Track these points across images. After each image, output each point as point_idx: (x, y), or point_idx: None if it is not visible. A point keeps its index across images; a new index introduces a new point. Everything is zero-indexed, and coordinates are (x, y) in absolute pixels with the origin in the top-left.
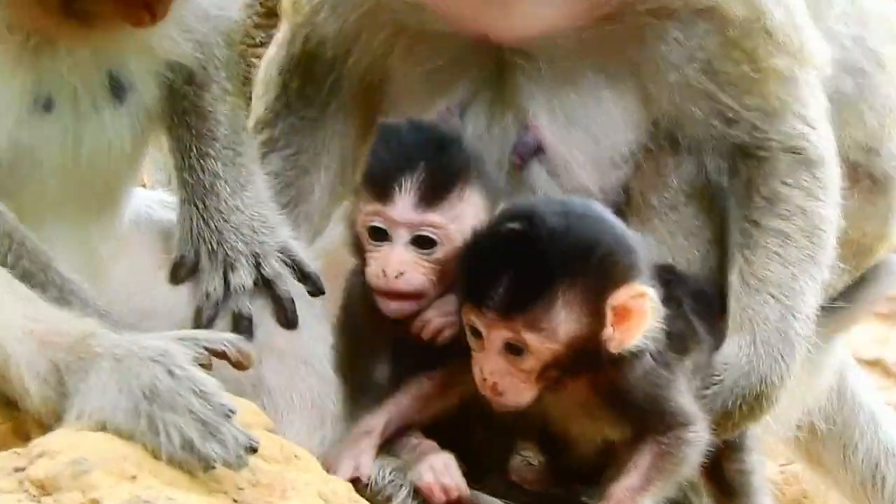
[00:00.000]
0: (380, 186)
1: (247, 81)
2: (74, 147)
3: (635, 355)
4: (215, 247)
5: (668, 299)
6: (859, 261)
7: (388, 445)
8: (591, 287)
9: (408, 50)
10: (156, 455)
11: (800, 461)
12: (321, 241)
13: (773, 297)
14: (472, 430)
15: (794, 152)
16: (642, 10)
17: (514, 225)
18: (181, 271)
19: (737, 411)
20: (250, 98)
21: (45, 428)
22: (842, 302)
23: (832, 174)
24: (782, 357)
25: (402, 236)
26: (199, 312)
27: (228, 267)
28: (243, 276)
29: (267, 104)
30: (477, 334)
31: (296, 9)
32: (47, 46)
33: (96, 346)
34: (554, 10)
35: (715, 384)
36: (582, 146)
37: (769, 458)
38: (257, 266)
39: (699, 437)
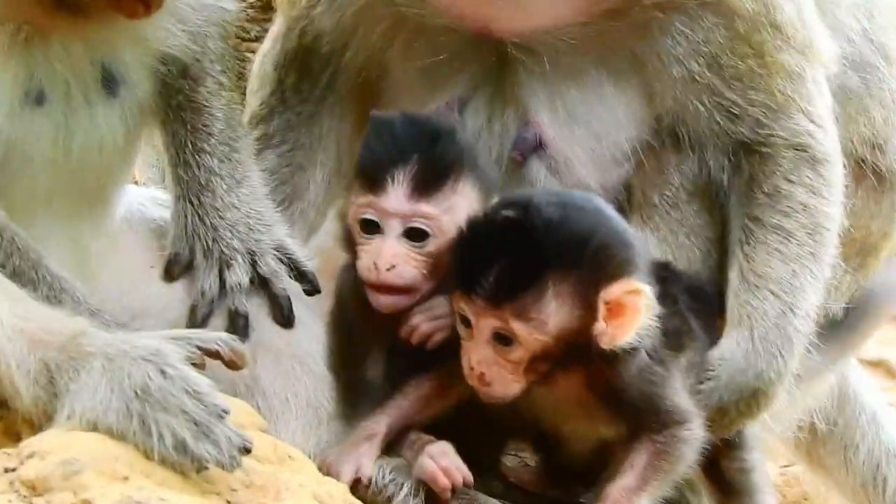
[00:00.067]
0: (372, 177)
1: (241, 76)
2: (66, 142)
3: (628, 352)
4: (210, 244)
5: (664, 296)
6: (864, 259)
7: (389, 445)
8: (584, 279)
9: (407, 44)
10: (148, 455)
11: (801, 463)
12: (316, 239)
13: (772, 293)
14: (465, 429)
15: (798, 149)
16: (648, 3)
17: (509, 212)
18: (175, 269)
19: (733, 407)
20: (245, 93)
21: (35, 428)
22: (843, 328)
23: (836, 172)
24: (780, 353)
25: (394, 228)
26: (193, 310)
27: (224, 265)
28: (239, 274)
29: (262, 99)
30: (466, 323)
31: (292, 2)
32: (39, 38)
33: (87, 346)
34: (559, 5)
35: (711, 380)
36: (583, 143)
37: (770, 460)
38: (253, 264)
39: (695, 435)
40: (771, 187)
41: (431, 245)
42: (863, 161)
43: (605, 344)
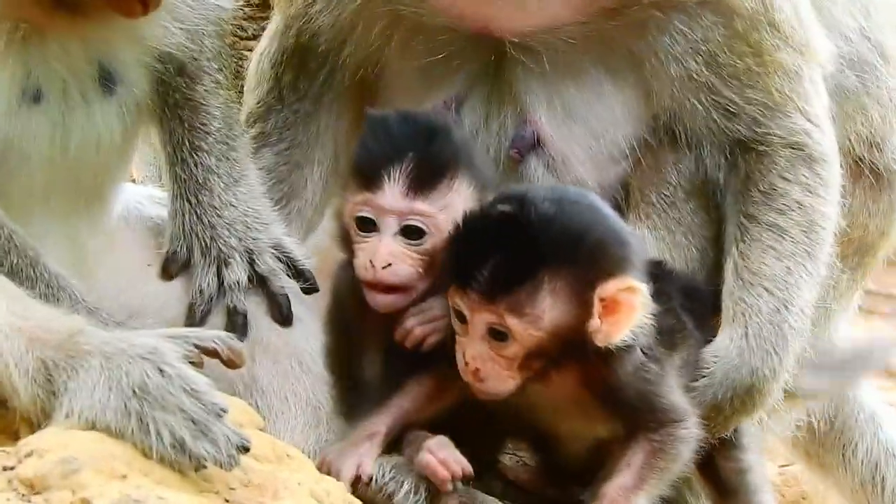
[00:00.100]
0: (368, 175)
1: (238, 75)
2: (63, 140)
3: (623, 350)
4: (208, 242)
5: (658, 294)
6: (861, 258)
7: (389, 445)
8: (579, 276)
9: (404, 43)
10: (146, 454)
11: (799, 462)
12: (314, 238)
13: (766, 290)
14: (463, 428)
15: (794, 148)
16: (647, 2)
17: (505, 207)
18: (172, 267)
19: (728, 405)
20: (242, 91)
21: (34, 426)
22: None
23: (833, 171)
24: (775, 350)
25: (390, 226)
26: (192, 308)
27: (222, 263)
28: (238, 272)
29: (259, 97)
30: (461, 318)
31: (290, 0)
32: (37, 37)
33: (85, 344)
34: (558, 4)
35: (705, 377)
36: (581, 141)
37: (768, 459)
38: (251, 262)
39: (691, 434)
40: (767, 185)
41: (428, 243)
42: (860, 160)
43: (599, 341)
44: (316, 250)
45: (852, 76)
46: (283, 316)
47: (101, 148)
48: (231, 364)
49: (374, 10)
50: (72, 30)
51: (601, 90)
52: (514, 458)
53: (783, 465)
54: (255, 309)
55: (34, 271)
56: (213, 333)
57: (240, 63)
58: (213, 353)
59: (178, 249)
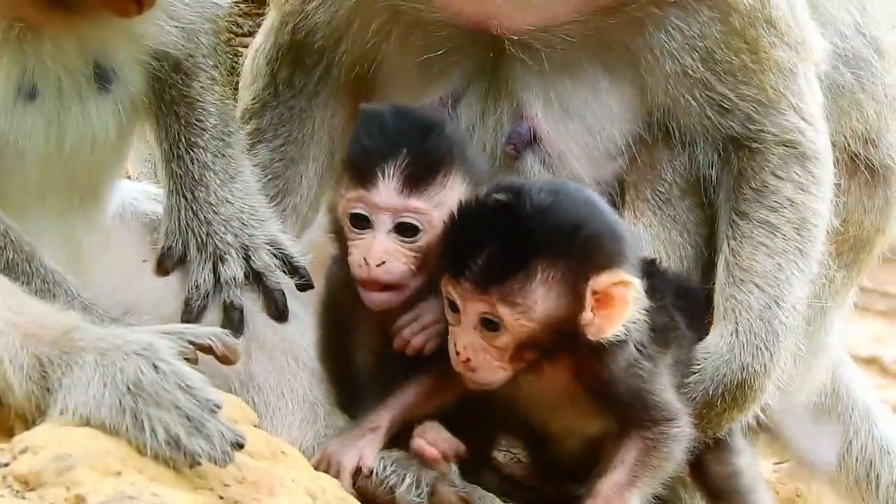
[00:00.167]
0: (362, 172)
1: (233, 71)
2: (58, 137)
3: (616, 345)
4: (204, 238)
5: (651, 291)
6: (857, 255)
7: (390, 440)
8: (572, 268)
9: (402, 39)
10: (140, 450)
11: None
12: (309, 234)
13: (757, 286)
14: (457, 423)
15: (787, 145)
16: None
17: (501, 196)
18: (168, 263)
19: (719, 400)
20: (237, 88)
21: (28, 423)
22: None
23: (825, 170)
24: (766, 346)
25: (384, 223)
26: (188, 304)
27: (218, 259)
28: (234, 268)
29: (254, 93)
30: (454, 307)
31: None
32: (32, 35)
33: (80, 341)
34: (557, 2)
35: (696, 373)
36: (577, 137)
37: (762, 457)
38: (247, 259)
39: (683, 433)
40: (759, 183)
41: (422, 240)
42: (856, 156)
43: (592, 335)
44: (311, 246)
45: (847, 72)
46: (278, 312)
47: (97, 145)
48: (226, 360)
49: (371, 7)
50: (67, 28)
51: (598, 87)
52: (509, 455)
53: (777, 463)
54: (251, 305)
55: (30, 267)
56: (209, 330)
57: (235, 59)
58: (207, 350)
59: (174, 245)
